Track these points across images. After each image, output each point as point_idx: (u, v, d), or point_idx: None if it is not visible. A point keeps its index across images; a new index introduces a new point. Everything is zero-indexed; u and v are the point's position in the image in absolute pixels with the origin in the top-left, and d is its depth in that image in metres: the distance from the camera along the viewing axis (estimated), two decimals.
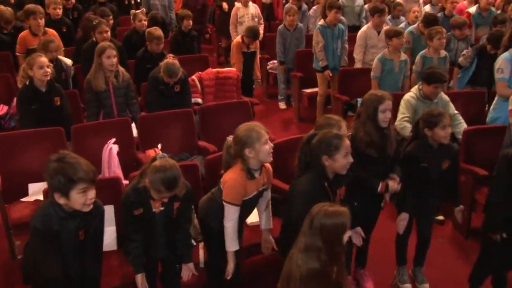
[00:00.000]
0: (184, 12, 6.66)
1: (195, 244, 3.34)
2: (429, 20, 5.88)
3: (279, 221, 3.12)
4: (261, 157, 2.82)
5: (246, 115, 4.66)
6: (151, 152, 4.07)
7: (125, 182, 3.63)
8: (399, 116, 4.25)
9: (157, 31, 5.41)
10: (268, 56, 7.55)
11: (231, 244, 2.92)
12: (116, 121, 4.43)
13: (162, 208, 2.77)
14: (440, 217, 4.32)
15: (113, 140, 4.05)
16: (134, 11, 6.83)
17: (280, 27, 6.87)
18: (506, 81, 4.30)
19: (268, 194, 3.13)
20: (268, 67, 7.54)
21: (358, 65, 6.12)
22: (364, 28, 6.17)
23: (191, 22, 6.51)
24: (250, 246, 3.33)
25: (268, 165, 3.00)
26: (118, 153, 3.97)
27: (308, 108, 6.88)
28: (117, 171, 3.91)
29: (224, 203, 2.87)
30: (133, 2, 8.70)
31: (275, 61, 7.36)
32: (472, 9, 7.09)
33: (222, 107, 4.72)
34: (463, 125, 4.34)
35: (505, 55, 4.37)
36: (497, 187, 3.14)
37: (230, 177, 2.86)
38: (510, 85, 4.22)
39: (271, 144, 2.86)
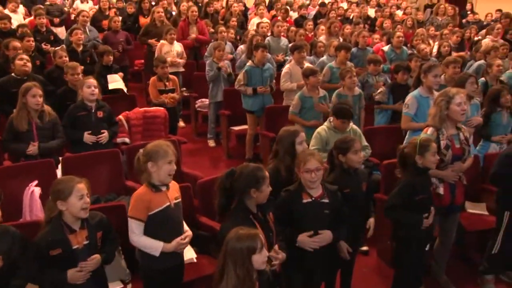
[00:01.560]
0: (103, 48, 6.65)
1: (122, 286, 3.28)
2: None
3: (208, 259, 3.12)
4: (161, 174, 2.90)
5: None
6: None
7: None
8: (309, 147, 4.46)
9: (72, 63, 5.51)
10: (196, 95, 7.60)
11: (156, 248, 2.88)
12: (39, 163, 4.28)
13: (86, 242, 2.73)
14: (365, 248, 4.49)
15: (35, 182, 3.92)
16: (53, 48, 6.75)
17: (209, 60, 6.97)
18: (410, 116, 4.58)
19: None
20: (196, 105, 7.58)
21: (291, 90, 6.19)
22: (287, 65, 6.41)
23: (111, 57, 6.52)
24: (186, 283, 3.30)
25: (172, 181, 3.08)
26: (41, 196, 3.83)
27: (236, 145, 6.98)
28: (40, 214, 3.75)
29: (128, 218, 2.88)
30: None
31: (203, 100, 7.45)
32: (385, 48, 7.63)
33: None
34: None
35: (414, 93, 4.70)
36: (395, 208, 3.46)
37: (134, 193, 2.93)
38: (419, 121, 4.51)
39: (175, 167, 2.94)
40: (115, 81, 6.34)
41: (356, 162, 3.44)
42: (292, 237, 3.05)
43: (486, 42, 7.85)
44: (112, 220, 3.00)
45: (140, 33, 8.47)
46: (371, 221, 3.56)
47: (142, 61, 8.97)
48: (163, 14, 8.34)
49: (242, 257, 2.36)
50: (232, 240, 2.39)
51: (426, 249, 3.59)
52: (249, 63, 6.33)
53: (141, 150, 2.98)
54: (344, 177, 3.45)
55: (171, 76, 6.28)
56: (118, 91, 6.26)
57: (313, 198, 3.09)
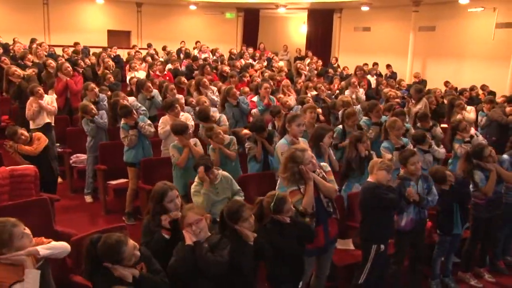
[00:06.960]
0: None
1: None
2: None
3: None
4: (20, 252, 2.77)
5: (45, 214, 4.48)
6: None
7: None
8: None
9: None
10: (70, 150, 7.39)
11: None
12: None
13: None
14: None
15: None
16: None
17: (85, 119, 6.81)
18: None
19: None
20: (71, 161, 7.36)
21: None
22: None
23: None
24: None
25: None
26: None
27: (114, 200, 6.84)
28: None
29: None
30: None
31: (78, 155, 7.29)
32: (255, 98, 8.09)
33: (17, 207, 4.43)
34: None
35: (282, 141, 5.06)
36: None
37: None
38: None
39: (28, 232, 2.84)
40: None
41: (248, 228, 3.30)
42: None
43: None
44: None
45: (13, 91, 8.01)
46: None
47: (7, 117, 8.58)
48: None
49: None
50: None
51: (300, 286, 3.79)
52: (123, 121, 6.27)
53: None
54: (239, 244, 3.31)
55: (36, 134, 6.04)
56: None
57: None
